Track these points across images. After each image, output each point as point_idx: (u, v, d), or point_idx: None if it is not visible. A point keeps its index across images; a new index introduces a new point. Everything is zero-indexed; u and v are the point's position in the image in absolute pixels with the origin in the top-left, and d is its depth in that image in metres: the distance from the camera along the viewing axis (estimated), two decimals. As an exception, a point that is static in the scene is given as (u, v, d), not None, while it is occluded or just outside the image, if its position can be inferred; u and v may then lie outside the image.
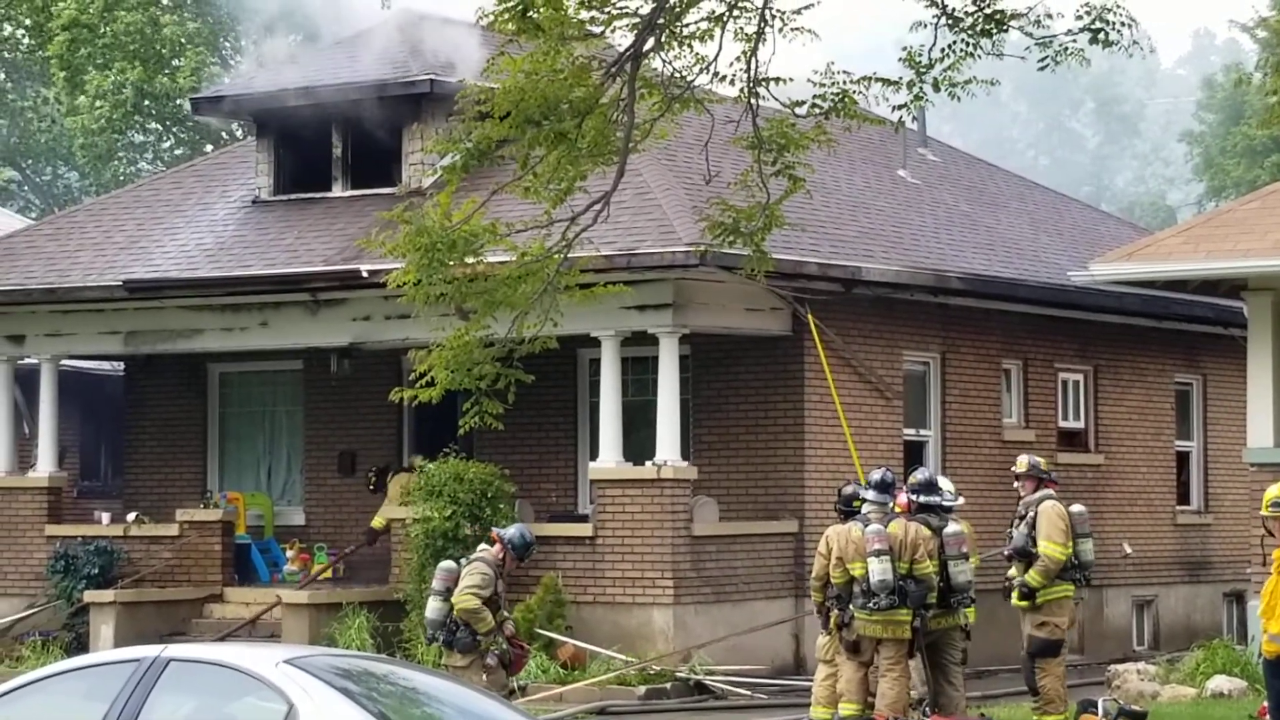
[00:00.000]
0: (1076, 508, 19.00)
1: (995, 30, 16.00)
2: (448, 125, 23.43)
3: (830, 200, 26.87)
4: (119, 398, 30.31)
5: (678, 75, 16.50)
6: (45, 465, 27.67)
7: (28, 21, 48.95)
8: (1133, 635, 29.58)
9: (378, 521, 26.19)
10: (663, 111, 16.64)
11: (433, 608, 18.41)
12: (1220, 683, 21.68)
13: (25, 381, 29.00)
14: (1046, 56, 16.12)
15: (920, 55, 16.07)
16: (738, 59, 16.30)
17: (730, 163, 19.97)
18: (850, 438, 24.83)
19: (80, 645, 25.68)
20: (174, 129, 51.38)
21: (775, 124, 16.78)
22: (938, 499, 18.46)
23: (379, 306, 24.88)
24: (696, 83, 16.56)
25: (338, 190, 27.25)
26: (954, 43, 16.05)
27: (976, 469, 26.79)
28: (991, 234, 29.46)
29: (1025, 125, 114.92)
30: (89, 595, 25.91)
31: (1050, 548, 18.33)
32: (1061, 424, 28.82)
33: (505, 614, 18.57)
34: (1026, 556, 18.44)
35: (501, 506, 24.18)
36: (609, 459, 24.10)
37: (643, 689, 22.76)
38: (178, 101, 47.05)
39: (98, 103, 47.84)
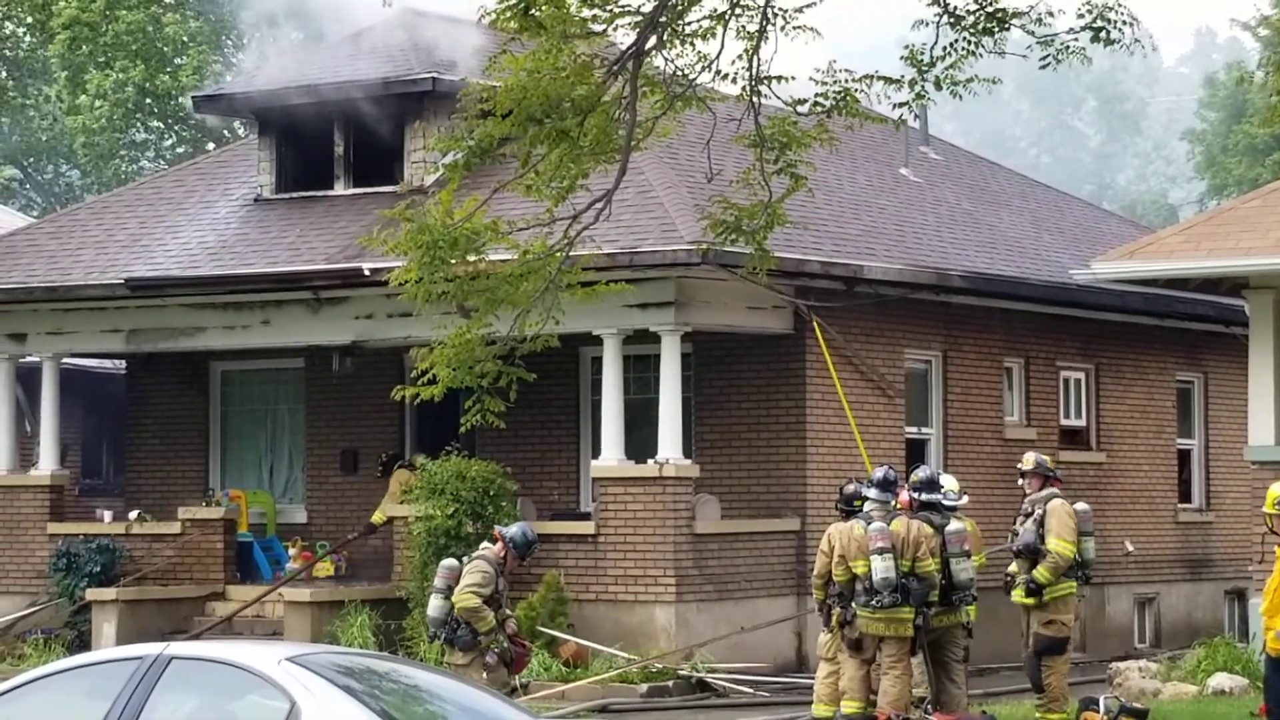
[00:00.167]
0: (1081, 506, 19.09)
1: (997, 29, 16.00)
2: (450, 123, 23.44)
3: (832, 198, 26.87)
4: (121, 396, 30.32)
5: (680, 73, 16.50)
6: (47, 463, 27.68)
7: (29, 20, 48.97)
8: (1134, 633, 29.58)
9: (377, 517, 26.21)
10: (665, 110, 16.64)
11: (434, 605, 18.42)
12: (1221, 680, 21.69)
13: (27, 380, 29.01)
14: (1048, 55, 16.12)
15: (922, 54, 16.08)
16: (740, 57, 16.30)
17: (732, 161, 19.98)
18: (859, 436, 24.84)
19: (82, 643, 25.69)
20: (176, 127, 51.39)
21: (777, 122, 16.78)
22: (939, 497, 18.48)
23: (381, 305, 24.89)
24: (698, 81, 16.55)
25: (340, 188, 27.25)
26: (956, 41, 16.05)
27: (978, 467, 26.79)
28: (993, 232, 29.46)
29: (1027, 123, 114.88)
30: (91, 593, 25.92)
31: (1061, 545, 18.41)
32: (1063, 422, 28.83)
33: (508, 612, 18.57)
34: (1035, 554, 18.48)
35: (504, 504, 24.19)
36: (611, 457, 24.11)
37: (645, 687, 22.76)
38: (179, 100, 47.07)
39: (98, 102, 47.85)
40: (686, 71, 16.46)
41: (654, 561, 23.81)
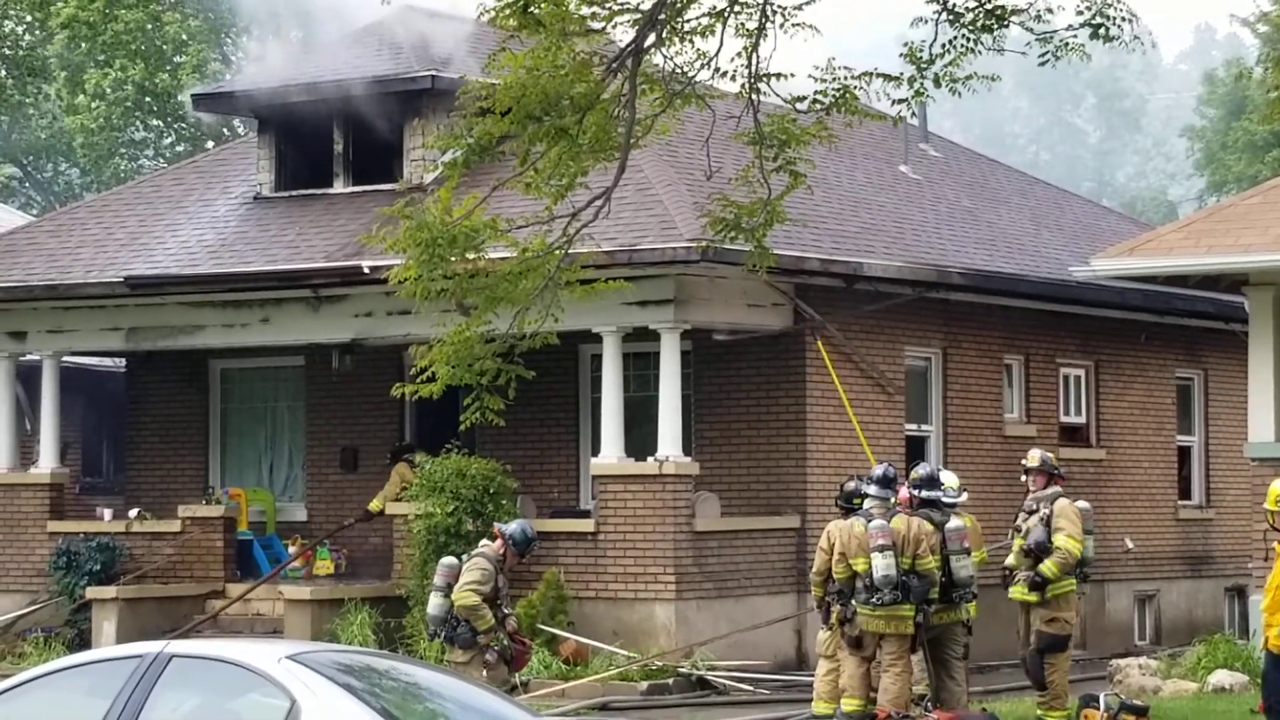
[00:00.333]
0: (1082, 504, 19.15)
1: (996, 25, 15.99)
2: (449, 121, 23.45)
3: (831, 196, 26.88)
4: (120, 394, 30.32)
5: (679, 71, 16.49)
6: (47, 462, 27.68)
7: (29, 18, 48.95)
8: (1134, 630, 29.59)
9: (375, 504, 26.23)
10: (664, 107, 16.64)
11: (434, 603, 18.42)
12: (1222, 677, 21.69)
13: (27, 378, 29.02)
14: (1047, 52, 16.12)
15: (921, 51, 16.07)
16: (739, 55, 16.29)
17: (731, 159, 19.98)
18: (861, 432, 24.84)
19: (82, 642, 25.68)
20: (175, 125, 51.39)
21: (776, 120, 16.78)
22: (939, 494, 18.48)
23: (380, 302, 24.89)
24: (698, 78, 16.55)
25: (339, 186, 27.25)
26: (955, 38, 16.04)
27: (978, 464, 26.80)
28: (993, 229, 29.46)
29: (1026, 120, 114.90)
30: (91, 592, 25.91)
31: (1070, 543, 18.51)
32: (1063, 419, 28.83)
33: (507, 610, 18.56)
34: (1046, 553, 18.52)
35: (503, 502, 24.19)
36: (611, 454, 24.11)
37: (645, 685, 22.76)
38: (179, 98, 47.06)
39: (96, 102, 47.83)
40: (686, 69, 16.45)
41: (654, 559, 23.82)
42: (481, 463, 24.39)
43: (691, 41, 16.24)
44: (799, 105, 16.60)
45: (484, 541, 18.93)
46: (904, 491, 18.49)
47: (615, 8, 16.12)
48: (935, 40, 16.01)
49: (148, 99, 49.09)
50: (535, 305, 16.94)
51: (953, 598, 18.23)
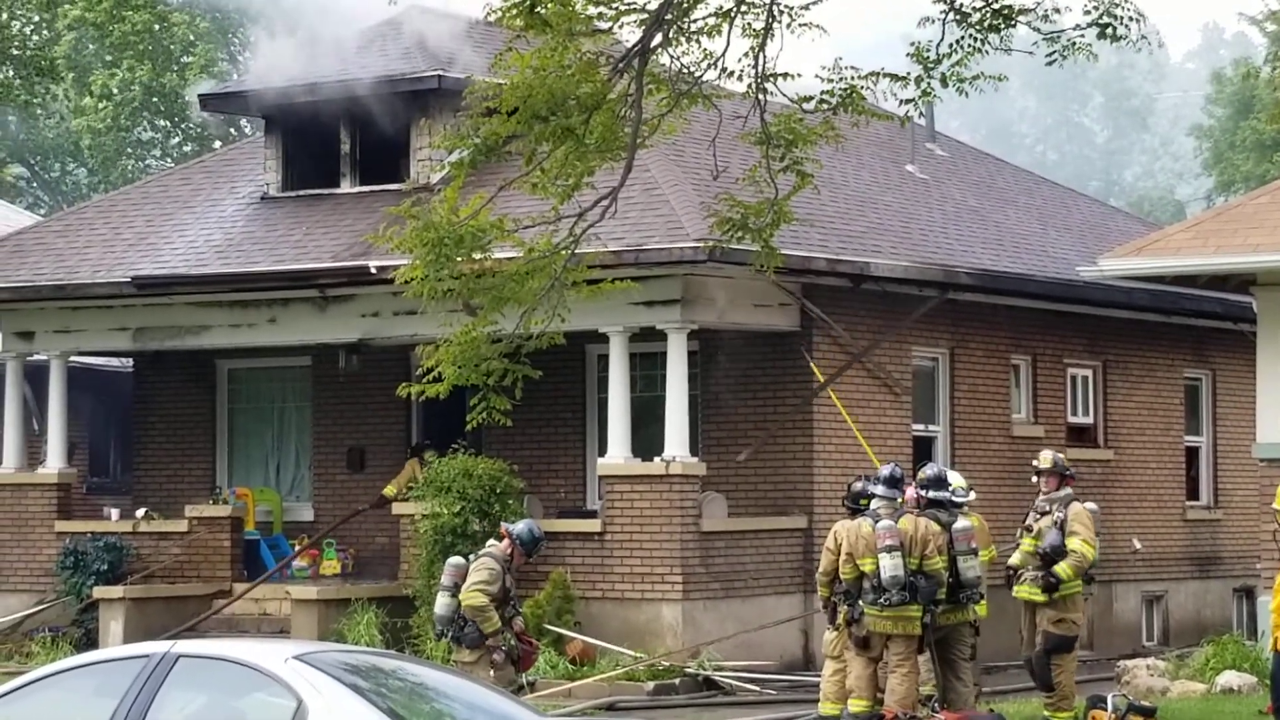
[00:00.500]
0: (1090, 506, 19.17)
1: (1003, 25, 15.97)
2: (456, 121, 23.45)
3: (838, 196, 26.86)
4: (128, 394, 30.33)
5: (685, 71, 16.48)
6: (54, 461, 27.70)
7: (35, 18, 48.98)
8: (1142, 631, 29.56)
9: (389, 490, 26.22)
10: (670, 107, 16.63)
11: (441, 603, 18.39)
12: (1230, 678, 21.67)
13: (34, 378, 29.04)
14: (1054, 51, 16.09)
15: (928, 50, 16.05)
16: (746, 55, 16.27)
17: (738, 158, 19.97)
18: (859, 433, 24.82)
19: (89, 641, 25.70)
20: (182, 126, 51.43)
21: (783, 120, 16.76)
22: (947, 494, 18.47)
23: (387, 302, 24.90)
24: (704, 78, 16.54)
25: (346, 186, 27.26)
26: (962, 38, 16.02)
27: (986, 464, 26.78)
28: (1000, 229, 29.44)
29: (1034, 120, 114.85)
30: (98, 591, 25.93)
31: (1085, 547, 18.57)
32: (1070, 419, 28.81)
33: (515, 610, 18.55)
34: (1061, 556, 18.54)
35: (510, 502, 24.19)
36: (618, 455, 24.10)
37: (651, 685, 22.76)
38: (186, 99, 47.08)
39: (103, 102, 47.87)
40: (692, 69, 16.44)
41: (661, 559, 23.81)
42: (488, 463, 24.39)
43: (698, 41, 16.23)
44: (806, 105, 16.58)
45: (491, 541, 18.92)
46: (911, 492, 18.48)
47: (622, 8, 16.10)
48: (942, 40, 15.99)
49: (155, 99, 49.12)
50: (542, 305, 16.93)
51: (960, 598, 18.22)
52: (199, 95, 31.43)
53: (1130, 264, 23.73)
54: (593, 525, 24.38)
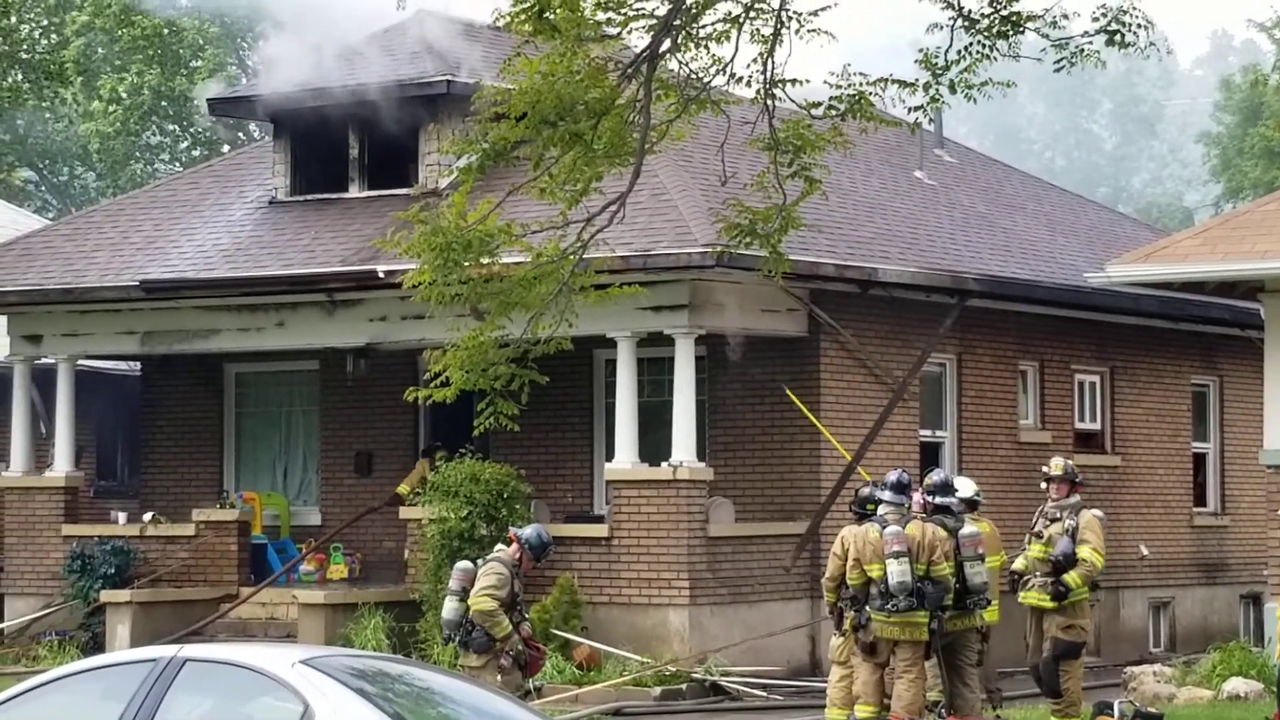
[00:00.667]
0: (1096, 513, 19.17)
1: (1011, 32, 15.98)
2: (464, 126, 23.45)
3: (846, 201, 26.86)
4: (135, 398, 30.35)
5: (694, 76, 16.49)
6: (62, 465, 27.72)
7: (44, 22, 49.04)
8: (1149, 637, 29.54)
9: (403, 488, 26.24)
10: (679, 113, 16.64)
11: (449, 608, 18.39)
12: (1237, 685, 21.66)
13: (42, 381, 29.05)
14: (1063, 58, 16.10)
15: (936, 57, 16.06)
16: (754, 60, 16.29)
17: (746, 164, 19.97)
18: (832, 436, 24.82)
19: (96, 645, 25.72)
20: (190, 130, 51.47)
21: (791, 125, 16.77)
22: (953, 500, 18.46)
23: (395, 307, 24.91)
24: (713, 84, 16.55)
25: (354, 191, 27.27)
26: (970, 44, 16.03)
27: (993, 470, 26.76)
28: (1008, 235, 29.43)
29: (1042, 126, 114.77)
30: (105, 595, 25.94)
31: (1096, 556, 18.63)
32: (1078, 425, 28.80)
33: (522, 615, 18.54)
34: (1072, 564, 18.57)
35: (517, 507, 24.19)
36: (625, 460, 24.11)
37: (658, 690, 22.76)
38: (194, 103, 47.11)
39: (112, 107, 47.89)
40: (701, 75, 16.45)
41: (668, 564, 23.81)
42: (495, 467, 24.39)
43: (707, 47, 16.24)
44: (814, 111, 16.59)
45: (499, 546, 18.91)
46: (917, 497, 18.47)
47: (630, 13, 16.12)
48: (950, 46, 16.00)
49: (164, 103, 49.15)
50: (549, 310, 16.94)
51: (967, 604, 18.21)
52: (208, 100, 31.46)
53: (1138, 270, 23.71)
54: (600, 530, 24.38)
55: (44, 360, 28.34)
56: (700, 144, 23.64)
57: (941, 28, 16.06)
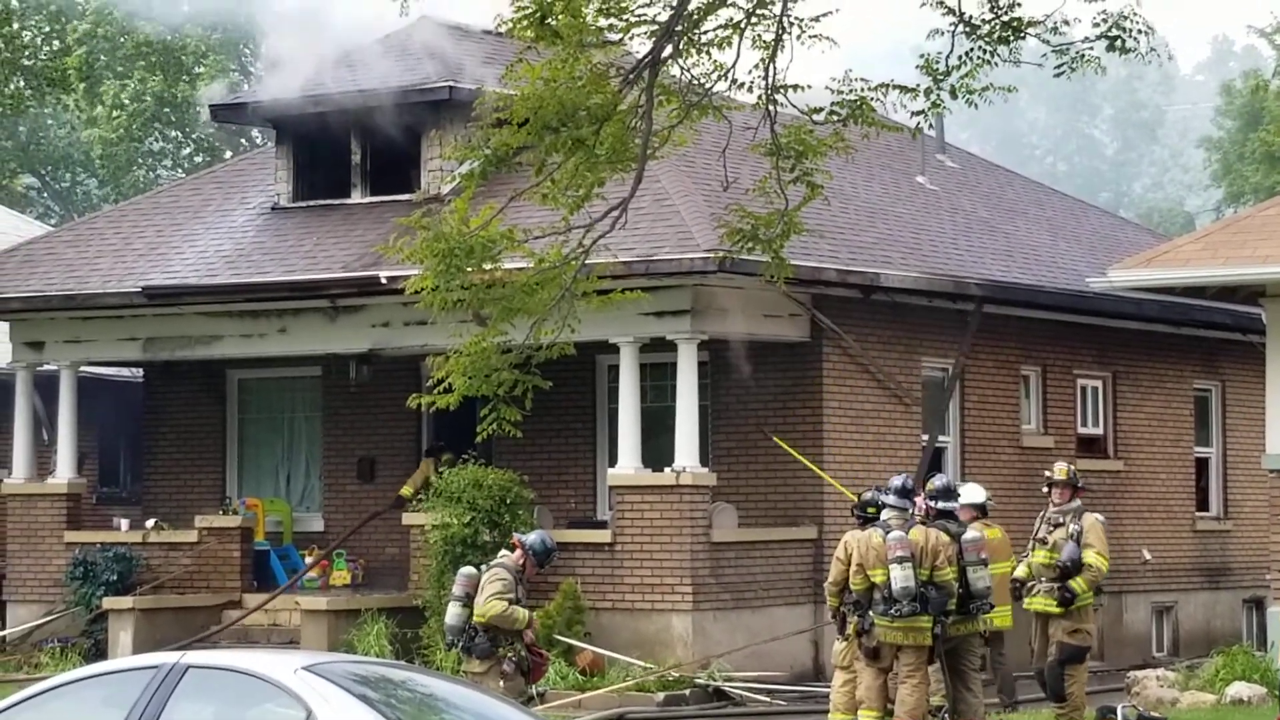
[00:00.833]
0: (1098, 517, 19.20)
1: (1013, 37, 15.99)
2: (466, 132, 23.48)
3: (849, 207, 26.87)
4: (138, 404, 30.35)
5: (696, 82, 16.50)
6: (64, 472, 27.72)
7: (46, 28, 49.08)
8: (1152, 642, 29.54)
9: (406, 490, 26.22)
10: (681, 118, 16.65)
11: (452, 613, 18.38)
12: (1240, 689, 21.65)
13: (45, 388, 29.06)
14: (1064, 63, 16.10)
15: (938, 62, 16.06)
16: (756, 66, 16.29)
17: (748, 169, 19.98)
18: (798, 454, 24.82)
19: (99, 652, 25.70)
20: (193, 136, 51.50)
21: (793, 131, 16.78)
22: (955, 505, 18.47)
23: (398, 313, 24.91)
24: (714, 90, 16.56)
25: (356, 197, 27.28)
26: (971, 50, 16.03)
27: (995, 475, 26.75)
28: (1010, 240, 29.44)
29: (1044, 131, 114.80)
30: (108, 602, 25.94)
31: (1101, 561, 18.68)
32: (1080, 430, 28.80)
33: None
34: (1079, 569, 18.60)
35: (520, 513, 24.20)
36: (628, 465, 24.11)
37: (662, 695, 22.77)
38: (197, 109, 47.14)
39: (115, 113, 47.91)
40: (702, 80, 16.46)
41: (671, 570, 23.81)
42: (498, 473, 24.40)
43: (708, 53, 16.24)
44: (816, 116, 16.60)
45: (503, 552, 18.90)
46: (920, 502, 18.48)
47: (633, 19, 16.13)
48: (952, 52, 16.01)
49: (166, 110, 49.18)
50: (552, 316, 16.94)
51: (970, 609, 18.20)
52: (210, 106, 31.47)
53: (1140, 275, 23.71)
54: (603, 536, 24.38)
55: (46, 367, 28.35)
56: (702, 150, 23.64)
57: (943, 33, 16.08)
